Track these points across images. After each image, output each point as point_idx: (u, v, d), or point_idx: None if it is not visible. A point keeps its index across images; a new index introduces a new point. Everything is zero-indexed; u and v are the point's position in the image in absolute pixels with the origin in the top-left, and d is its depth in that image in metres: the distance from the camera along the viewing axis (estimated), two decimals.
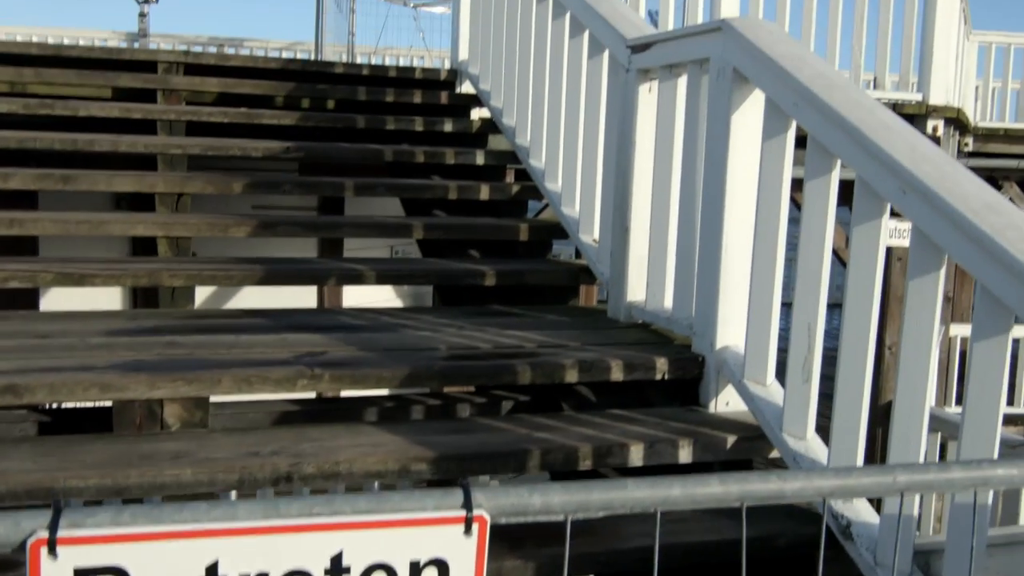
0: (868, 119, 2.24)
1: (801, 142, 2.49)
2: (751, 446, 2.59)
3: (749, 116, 2.70)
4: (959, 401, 11.01)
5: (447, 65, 5.92)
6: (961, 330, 10.64)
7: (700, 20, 6.29)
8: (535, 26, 4.25)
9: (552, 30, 4.05)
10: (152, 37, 13.33)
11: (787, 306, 2.50)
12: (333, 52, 12.13)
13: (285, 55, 14.14)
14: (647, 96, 3.30)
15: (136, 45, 13.22)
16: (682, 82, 3.08)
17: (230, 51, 14.06)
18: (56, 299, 3.60)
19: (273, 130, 4.68)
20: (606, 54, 3.55)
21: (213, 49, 14.00)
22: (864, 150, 2.19)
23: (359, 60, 13.34)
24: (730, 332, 2.79)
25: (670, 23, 6.21)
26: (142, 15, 12.91)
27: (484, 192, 4.21)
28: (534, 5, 4.26)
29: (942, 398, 11.24)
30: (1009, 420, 8.77)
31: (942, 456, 7.92)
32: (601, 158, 3.62)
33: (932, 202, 1.99)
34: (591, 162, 3.70)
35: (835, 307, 3.95)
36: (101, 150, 4.05)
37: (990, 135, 10.89)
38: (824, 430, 2.36)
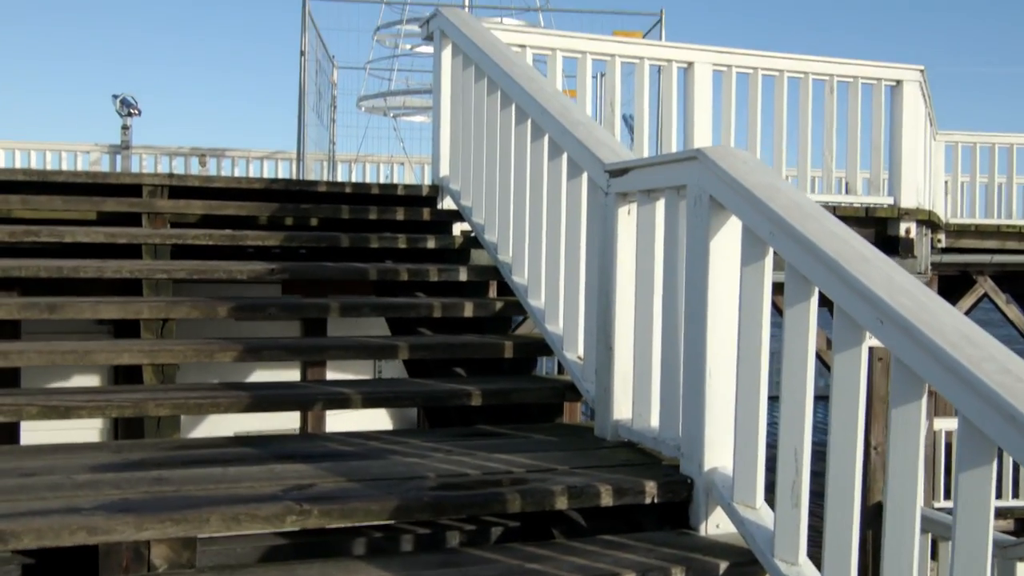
0: (844, 250, 2.30)
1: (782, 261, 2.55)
2: (743, 571, 2.58)
3: (727, 242, 2.77)
4: (947, 495, 10.97)
5: (427, 175, 6.09)
6: (945, 424, 10.67)
7: (674, 136, 6.49)
8: (514, 145, 4.36)
9: (531, 150, 4.15)
10: (135, 149, 13.51)
11: (773, 399, 2.49)
12: (314, 160, 12.30)
13: (267, 164, 14.39)
14: (626, 218, 3.37)
15: (119, 158, 13.40)
16: (660, 205, 3.16)
17: (211, 161, 14.29)
18: (38, 430, 3.58)
19: (258, 251, 4.73)
20: (585, 176, 3.64)
21: (195, 160, 14.22)
22: (842, 281, 2.25)
23: (340, 168, 13.56)
24: (717, 454, 2.81)
25: (645, 145, 6.39)
26: (125, 127, 13.08)
27: (468, 309, 4.25)
28: (513, 126, 4.37)
29: (930, 492, 11.21)
30: (999, 513, 8.73)
31: (934, 555, 7.86)
32: (583, 276, 3.68)
33: (910, 334, 2.03)
34: (574, 279, 3.76)
35: (821, 399, 3.99)
36: (87, 276, 4.07)
37: (962, 231, 11.13)
38: (816, 540, 2.36)
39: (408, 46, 11.81)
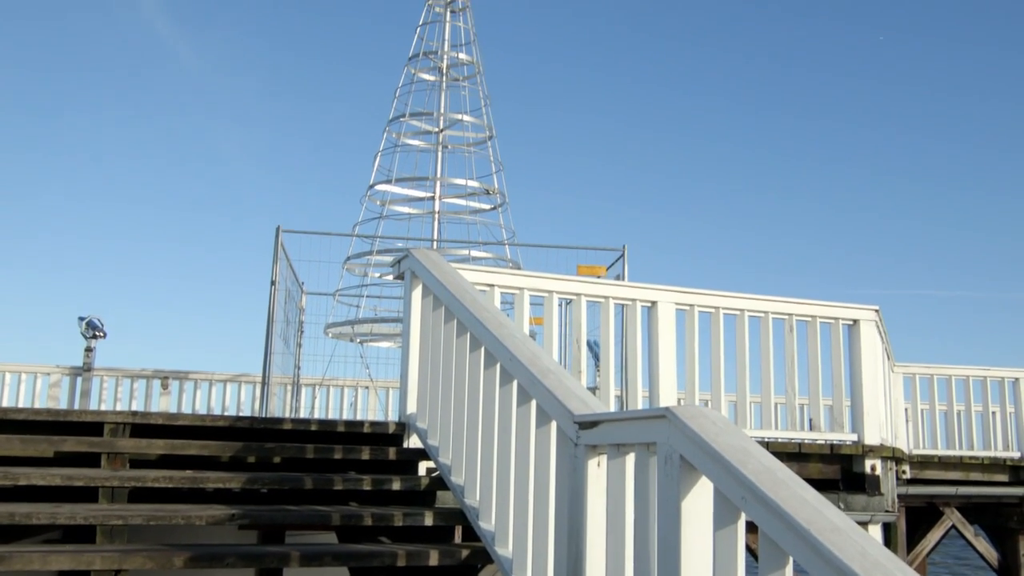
0: (817, 520, 2.28)
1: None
2: None
3: (699, 503, 2.75)
4: None
5: (392, 399, 6.04)
6: None
7: (639, 370, 6.58)
8: (483, 388, 4.38)
9: (500, 395, 4.17)
10: (96, 371, 13.41)
11: None
12: (279, 384, 12.26)
13: (230, 387, 14.30)
14: (596, 470, 3.35)
15: (79, 380, 13.27)
16: (631, 460, 3.15)
17: (174, 383, 14.18)
18: None
19: (219, 493, 4.62)
20: (554, 425, 3.64)
21: (157, 383, 14.11)
22: (815, 552, 2.21)
23: (304, 392, 13.50)
24: None
25: (611, 377, 6.47)
26: (88, 350, 13.03)
27: (434, 558, 4.13)
28: (481, 369, 4.41)
29: None
30: None
31: None
32: (552, 527, 3.60)
33: None
34: (542, 530, 3.68)
35: None
36: (40, 523, 3.93)
37: (925, 462, 11.16)
38: None
39: (377, 275, 12.09)
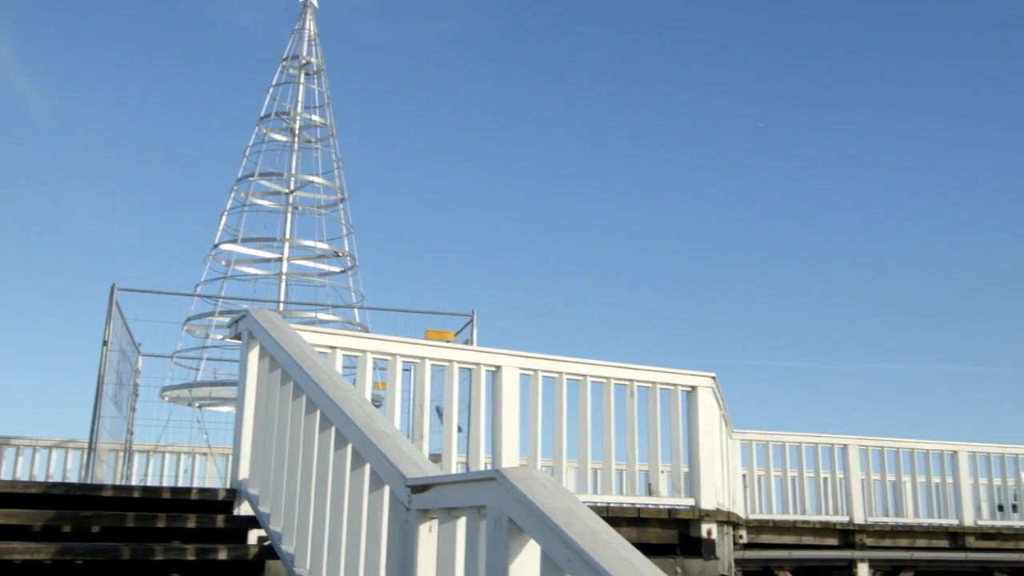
0: None
1: None
2: None
3: (526, 567, 2.71)
4: None
5: (229, 476, 5.78)
6: None
7: (482, 435, 6.55)
8: (317, 452, 4.25)
9: (334, 459, 4.05)
10: None
11: None
12: (108, 450, 11.64)
13: (56, 454, 13.48)
14: (427, 535, 3.28)
15: None
16: (461, 524, 3.10)
17: None
18: None
19: (28, 566, 4.29)
20: (387, 489, 3.55)
21: None
22: None
23: (136, 459, 12.85)
24: None
25: (454, 442, 6.41)
26: None
27: None
28: (317, 432, 4.29)
29: None
30: None
31: None
32: None
33: None
34: None
35: None
36: None
37: (761, 527, 11.50)
38: None
39: (219, 337, 11.70)
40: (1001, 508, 13.71)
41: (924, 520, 12.90)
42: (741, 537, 10.81)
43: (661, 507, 6.92)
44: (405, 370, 7.10)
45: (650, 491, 7.12)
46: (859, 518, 12.32)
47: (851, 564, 12.11)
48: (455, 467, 6.55)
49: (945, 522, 12.89)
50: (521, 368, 6.71)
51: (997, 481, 13.57)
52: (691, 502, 6.97)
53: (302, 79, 14.40)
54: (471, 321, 11.56)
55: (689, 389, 7.28)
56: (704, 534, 6.92)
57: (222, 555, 4.56)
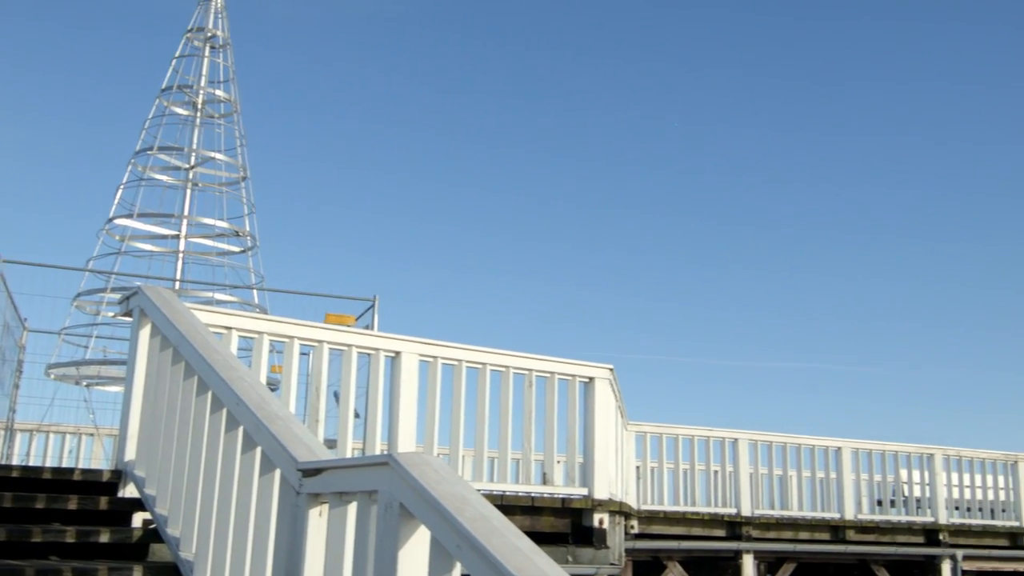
0: (527, 567, 2.29)
1: None
2: None
3: (416, 553, 2.70)
4: None
5: (115, 457, 5.62)
6: None
7: (379, 420, 6.51)
8: (208, 434, 4.16)
9: (225, 441, 3.97)
10: None
11: None
12: None
13: None
14: (317, 520, 3.24)
15: None
16: (352, 509, 3.07)
17: None
18: None
19: None
20: (277, 473, 3.49)
21: None
22: None
23: (19, 438, 12.39)
24: None
25: (350, 428, 6.35)
26: None
27: None
28: (207, 414, 4.19)
29: None
30: None
31: None
32: None
33: None
34: None
35: None
36: None
37: (652, 517, 11.71)
38: None
39: (111, 314, 11.35)
40: (880, 503, 14.28)
41: (808, 513, 13.34)
42: (632, 527, 10.99)
43: (555, 496, 6.99)
44: (303, 354, 6.99)
45: (545, 480, 7.18)
46: (746, 510, 12.66)
47: (737, 555, 12.45)
48: (350, 453, 6.49)
49: (827, 516, 13.35)
50: (421, 355, 6.68)
51: (878, 477, 14.12)
52: (584, 492, 7.06)
53: (207, 52, 14.05)
54: (372, 306, 11.45)
55: (587, 380, 7.36)
56: (596, 523, 7.01)
57: (104, 538, 4.43)
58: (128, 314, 5.51)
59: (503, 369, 7.05)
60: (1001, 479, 14.89)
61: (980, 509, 14.64)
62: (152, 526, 4.60)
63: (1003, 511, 14.86)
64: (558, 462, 7.43)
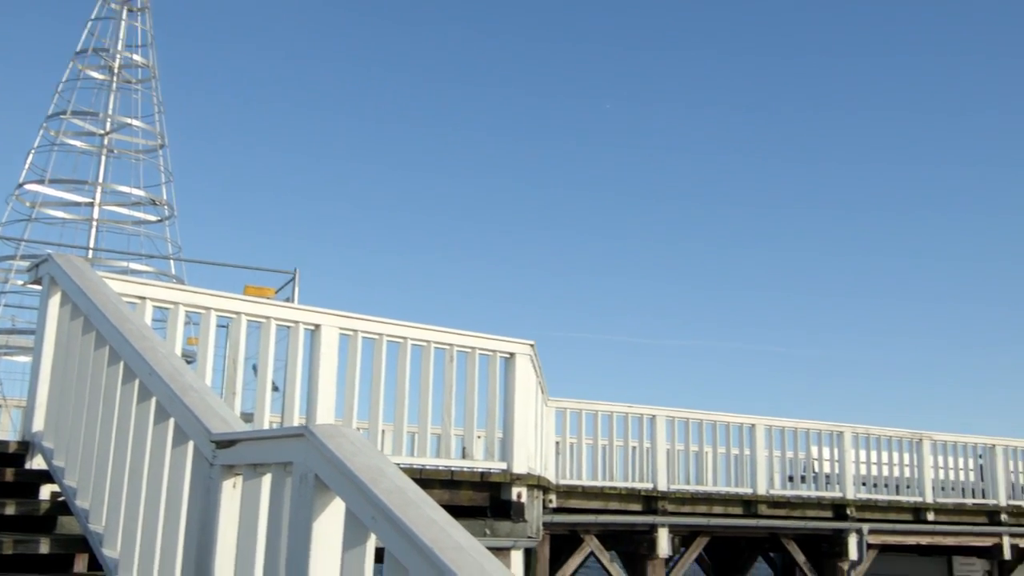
0: (441, 539, 2.30)
1: None
2: None
3: (331, 525, 2.69)
4: None
5: (22, 428, 5.46)
6: None
7: (298, 394, 6.45)
8: (119, 405, 4.07)
9: (136, 412, 3.89)
10: None
11: None
12: None
13: None
14: (231, 491, 3.20)
15: None
16: (266, 481, 3.04)
17: None
18: None
19: None
20: (191, 445, 3.44)
21: None
22: (437, 571, 2.23)
23: None
24: None
25: (267, 400, 6.28)
26: None
27: None
28: (119, 384, 4.10)
29: None
30: None
31: None
32: (181, 552, 3.40)
33: None
34: (170, 555, 3.46)
35: None
36: None
37: (570, 492, 11.84)
38: None
39: (20, 282, 11.01)
40: (791, 479, 14.67)
41: (722, 488, 13.64)
42: (551, 501, 11.11)
43: (475, 470, 7.02)
44: (221, 326, 6.88)
45: (465, 455, 7.21)
46: (663, 485, 12.90)
47: (652, 529, 12.68)
48: (267, 426, 6.42)
49: (741, 491, 13.67)
50: (341, 328, 6.63)
51: (790, 453, 14.50)
52: (503, 466, 7.10)
53: (124, 15, 13.64)
54: (293, 279, 11.31)
55: (508, 356, 7.38)
56: (514, 497, 7.06)
57: (9, 510, 4.32)
58: (38, 282, 5.36)
59: (424, 344, 7.03)
60: (907, 456, 15.43)
61: (886, 485, 15.14)
62: (61, 498, 4.50)
63: (907, 487, 15.39)
64: (478, 437, 7.47)
